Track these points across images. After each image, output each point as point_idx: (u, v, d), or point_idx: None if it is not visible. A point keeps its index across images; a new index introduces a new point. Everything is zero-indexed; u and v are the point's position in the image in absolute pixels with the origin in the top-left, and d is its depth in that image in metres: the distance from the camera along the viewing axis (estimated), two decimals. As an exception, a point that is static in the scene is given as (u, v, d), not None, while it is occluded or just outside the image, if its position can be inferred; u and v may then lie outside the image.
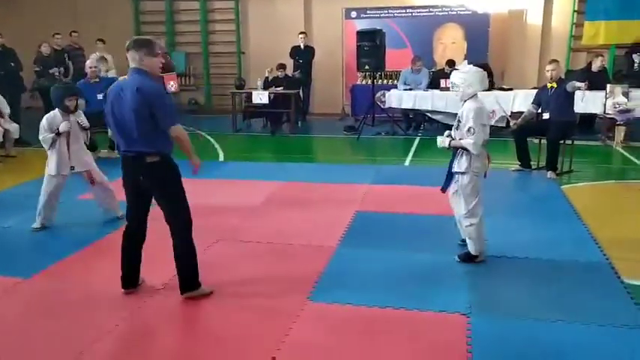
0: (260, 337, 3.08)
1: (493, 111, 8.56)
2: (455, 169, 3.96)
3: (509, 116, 7.83)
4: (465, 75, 3.89)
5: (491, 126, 8.87)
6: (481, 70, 4.00)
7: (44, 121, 4.75)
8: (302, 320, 3.25)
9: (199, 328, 3.31)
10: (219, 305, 3.46)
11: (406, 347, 2.97)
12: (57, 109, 4.78)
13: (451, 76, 3.99)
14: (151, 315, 3.39)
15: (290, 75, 10.08)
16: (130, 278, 3.58)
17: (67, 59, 9.97)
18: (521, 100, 8.58)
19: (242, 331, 3.15)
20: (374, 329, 3.15)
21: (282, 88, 9.68)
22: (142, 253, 3.57)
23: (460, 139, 3.90)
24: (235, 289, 3.68)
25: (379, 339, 3.05)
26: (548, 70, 6.48)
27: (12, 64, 8.90)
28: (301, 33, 10.48)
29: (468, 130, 3.81)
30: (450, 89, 4.10)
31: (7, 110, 7.81)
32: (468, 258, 4.02)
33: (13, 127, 7.83)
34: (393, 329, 3.15)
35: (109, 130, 3.57)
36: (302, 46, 10.43)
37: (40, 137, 4.77)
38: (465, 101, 3.91)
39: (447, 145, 3.97)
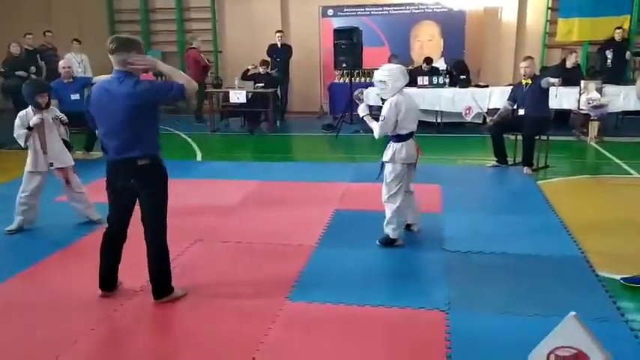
0: (239, 338, 3.05)
1: (469, 107, 8.63)
2: (383, 158, 4.26)
3: (486, 113, 7.90)
4: (391, 72, 4.14)
5: (468, 122, 9.12)
6: (402, 66, 4.34)
7: (17, 119, 4.71)
8: (281, 320, 3.23)
9: (177, 330, 3.27)
10: (198, 307, 3.43)
11: (385, 345, 2.98)
12: (29, 106, 4.72)
13: (376, 75, 4.21)
14: (128, 318, 3.35)
15: (270, 72, 10.03)
16: (109, 280, 3.53)
17: (39, 60, 9.77)
18: (497, 97, 8.69)
19: (221, 332, 3.12)
20: (353, 327, 3.15)
21: (262, 84, 9.62)
22: (121, 256, 3.52)
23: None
24: (214, 290, 3.65)
25: (359, 337, 3.05)
26: (522, 67, 6.56)
27: (-18, 65, 8.73)
28: (278, 31, 10.45)
29: (382, 117, 4.14)
30: (376, 87, 4.36)
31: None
32: (387, 242, 4.27)
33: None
34: (372, 327, 3.15)
35: (97, 132, 3.45)
36: (279, 45, 10.40)
37: (15, 134, 4.72)
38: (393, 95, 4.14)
39: (361, 113, 4.40)
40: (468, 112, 8.32)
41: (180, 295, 3.51)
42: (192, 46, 10.40)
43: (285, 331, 3.12)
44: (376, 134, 4.21)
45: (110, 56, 3.19)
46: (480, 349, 2.91)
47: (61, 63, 7.80)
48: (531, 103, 6.44)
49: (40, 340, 3.06)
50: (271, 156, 7.89)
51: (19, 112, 4.84)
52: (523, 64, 6.55)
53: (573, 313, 2.43)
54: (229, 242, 4.46)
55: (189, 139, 9.05)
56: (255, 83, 9.66)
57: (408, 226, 4.50)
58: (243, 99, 9.46)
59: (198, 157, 7.86)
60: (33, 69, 9.46)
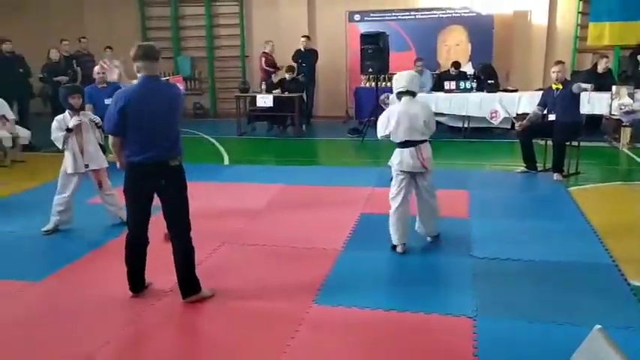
0: (265, 341, 3.09)
1: (495, 111, 8.57)
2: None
3: (514, 118, 7.81)
4: (395, 78, 4.23)
5: (496, 127, 9.03)
6: (409, 72, 4.37)
7: (55, 122, 4.86)
8: (307, 324, 3.26)
9: (205, 332, 3.32)
10: (225, 309, 3.47)
11: (412, 351, 2.98)
12: (66, 110, 4.87)
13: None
14: (157, 318, 3.41)
15: (296, 77, 10.09)
16: (137, 283, 3.61)
17: (75, 65, 10.02)
18: (526, 102, 8.58)
19: (247, 335, 3.16)
20: (379, 333, 3.15)
21: (287, 91, 9.69)
22: (146, 258, 3.59)
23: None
24: (240, 292, 3.69)
25: (385, 342, 3.05)
26: (553, 72, 6.47)
27: (20, 70, 8.98)
28: (304, 36, 10.50)
29: None
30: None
31: (12, 116, 7.88)
32: (392, 246, 4.28)
33: (24, 133, 7.90)
34: (398, 332, 3.15)
35: (111, 138, 3.50)
36: (304, 50, 10.43)
37: (53, 137, 4.85)
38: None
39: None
40: (494, 115, 8.25)
41: (208, 296, 3.57)
42: (265, 50, 10.48)
43: (311, 335, 3.14)
44: (378, 134, 4.34)
45: (147, 62, 3.30)
46: (508, 357, 2.88)
47: (96, 69, 7.97)
48: (562, 108, 6.34)
49: (72, 339, 3.14)
50: (297, 160, 7.93)
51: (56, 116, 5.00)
52: (554, 69, 6.46)
53: (599, 326, 2.40)
54: (255, 245, 4.51)
55: (217, 143, 9.16)
56: (281, 89, 9.74)
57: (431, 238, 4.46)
58: (270, 103, 9.55)
59: (226, 161, 7.96)
60: (70, 73, 9.71)
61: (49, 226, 4.87)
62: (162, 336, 3.23)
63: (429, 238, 4.43)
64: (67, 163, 4.88)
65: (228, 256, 4.32)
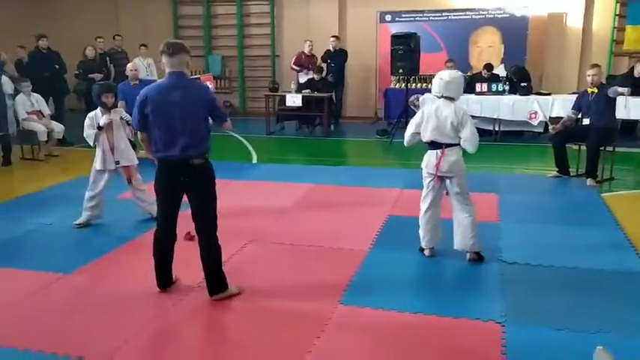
0: (291, 339, 3.09)
1: (535, 112, 8.45)
2: None
3: (549, 120, 7.68)
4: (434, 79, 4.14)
5: (528, 131, 8.88)
6: (445, 72, 4.17)
7: (87, 120, 4.96)
8: (333, 324, 3.25)
9: (229, 330, 3.34)
10: (250, 307, 3.49)
11: (439, 355, 2.94)
12: (98, 107, 4.96)
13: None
14: (183, 314, 3.44)
15: (325, 77, 10.10)
16: (165, 279, 3.65)
17: (108, 63, 10.21)
18: (559, 106, 8.43)
19: (273, 333, 3.17)
20: (406, 335, 3.12)
21: (316, 91, 9.70)
22: (173, 254, 3.62)
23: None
24: (266, 290, 3.70)
25: (411, 345, 3.02)
26: (589, 75, 6.32)
27: (56, 66, 9.20)
28: (333, 37, 10.48)
29: None
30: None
31: (48, 111, 8.08)
32: (420, 248, 4.23)
33: (58, 128, 8.09)
34: (425, 335, 3.12)
35: (139, 133, 3.55)
36: (333, 50, 10.42)
37: (85, 134, 4.95)
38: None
39: None
40: (533, 116, 8.13)
41: (235, 293, 3.59)
42: (304, 49, 10.49)
43: (337, 335, 3.13)
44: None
45: (167, 58, 3.29)
46: (538, 364, 2.83)
47: (129, 66, 8.12)
48: (597, 112, 6.20)
49: (98, 332, 3.19)
50: (325, 160, 7.93)
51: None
52: (590, 72, 6.31)
53: (600, 347, 2.41)
54: (282, 244, 4.52)
55: (245, 142, 9.23)
56: (310, 89, 9.76)
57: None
58: (299, 103, 9.58)
59: (254, 160, 8.01)
60: (105, 71, 9.91)
61: (81, 220, 4.97)
62: (187, 332, 3.26)
63: (467, 255, 4.12)
64: (97, 160, 4.97)
65: (255, 254, 4.34)
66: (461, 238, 4.11)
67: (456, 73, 4.17)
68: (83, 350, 2.97)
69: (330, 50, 10.44)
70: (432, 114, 4.02)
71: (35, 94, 8.07)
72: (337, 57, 10.45)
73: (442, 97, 4.03)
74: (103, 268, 4.14)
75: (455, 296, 3.61)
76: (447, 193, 4.18)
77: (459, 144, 4.02)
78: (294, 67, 10.58)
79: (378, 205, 5.48)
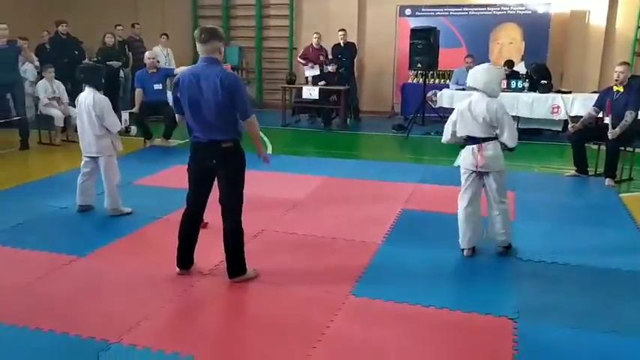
0: (302, 326, 3.09)
1: (557, 106, 8.33)
2: None
3: (570, 117, 7.57)
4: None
5: (547, 129, 8.75)
6: (479, 66, 4.07)
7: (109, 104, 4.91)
8: (344, 313, 3.24)
9: (242, 313, 3.36)
10: (263, 293, 3.50)
11: (449, 348, 2.92)
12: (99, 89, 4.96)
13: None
14: (198, 297, 3.47)
15: (340, 71, 10.03)
16: (185, 259, 3.70)
17: (127, 50, 10.27)
18: (579, 104, 8.27)
19: (284, 319, 3.17)
20: (416, 327, 3.10)
21: (329, 84, 9.67)
22: (198, 236, 3.69)
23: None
24: (278, 279, 3.70)
25: (421, 337, 3.00)
26: (617, 72, 6.17)
27: (76, 52, 9.27)
28: (340, 30, 10.31)
29: None
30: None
31: (66, 98, 8.15)
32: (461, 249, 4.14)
33: (76, 113, 8.14)
34: (436, 329, 3.10)
35: (177, 116, 3.63)
36: (342, 44, 10.32)
37: (115, 120, 4.92)
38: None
39: None
40: (556, 110, 8.03)
41: (253, 277, 3.64)
42: (312, 42, 10.44)
43: (347, 325, 3.12)
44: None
45: (199, 45, 3.37)
46: (550, 361, 2.79)
47: (147, 54, 8.17)
48: (621, 111, 6.07)
49: (112, 313, 3.21)
50: (340, 153, 7.89)
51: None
52: (618, 69, 6.16)
53: None
54: (295, 234, 4.51)
55: (261, 133, 9.19)
56: (326, 82, 9.72)
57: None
58: (315, 95, 9.55)
59: (269, 150, 8.00)
60: (123, 58, 9.96)
61: (130, 209, 4.96)
62: (199, 315, 3.27)
63: (499, 249, 4.10)
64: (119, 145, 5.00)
65: (267, 243, 4.34)
66: (492, 232, 4.09)
67: (494, 68, 4.09)
68: (95, 330, 2.99)
69: (339, 44, 10.33)
70: (465, 109, 3.96)
71: (56, 80, 8.14)
72: (347, 51, 10.34)
73: (478, 91, 3.95)
74: (117, 251, 4.17)
75: (467, 291, 3.58)
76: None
77: (496, 138, 3.94)
78: (300, 60, 10.54)
79: (392, 199, 5.44)
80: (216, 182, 3.58)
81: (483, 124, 3.89)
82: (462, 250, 4.10)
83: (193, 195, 3.59)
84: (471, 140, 3.99)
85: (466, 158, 4.02)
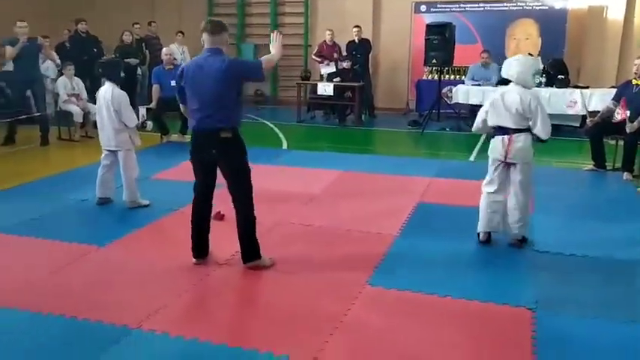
0: (318, 315, 3.11)
1: (575, 101, 8.25)
2: None
3: (588, 112, 7.49)
4: (505, 62, 4.07)
5: (565, 125, 8.67)
6: (522, 57, 4.05)
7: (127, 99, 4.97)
8: (360, 303, 3.25)
9: (259, 302, 3.38)
10: (279, 282, 3.53)
11: (466, 337, 2.91)
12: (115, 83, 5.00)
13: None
14: (215, 286, 3.52)
15: (354, 67, 10.03)
16: (201, 248, 3.74)
17: (144, 48, 10.37)
18: (597, 100, 8.17)
19: (301, 308, 3.19)
20: (432, 316, 3.11)
21: (343, 81, 9.68)
22: (210, 223, 3.74)
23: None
24: (294, 269, 3.73)
25: (437, 326, 3.00)
26: (635, 65, 6.12)
27: (94, 49, 9.38)
28: (355, 27, 10.30)
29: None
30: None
31: (85, 95, 8.26)
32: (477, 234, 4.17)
33: (94, 110, 8.24)
34: (453, 318, 3.09)
35: (181, 106, 3.72)
36: (357, 40, 10.31)
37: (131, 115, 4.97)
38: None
39: None
40: (572, 105, 7.96)
41: (269, 265, 3.69)
42: (326, 39, 10.45)
43: (363, 314, 3.13)
44: (473, 128, 4.25)
45: (207, 36, 3.46)
46: (569, 350, 2.78)
47: (164, 50, 8.25)
48: (639, 105, 5.99)
49: (128, 302, 3.25)
50: (355, 148, 7.90)
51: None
52: (637, 62, 6.09)
53: None
54: (310, 226, 4.54)
55: (276, 128, 9.27)
56: (341, 79, 9.73)
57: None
58: (330, 92, 9.56)
59: (284, 146, 8.04)
60: (140, 56, 10.05)
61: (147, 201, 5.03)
62: (215, 304, 3.31)
63: (513, 241, 4.10)
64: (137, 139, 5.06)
65: (283, 235, 4.36)
66: (511, 224, 4.08)
67: (527, 59, 4.08)
68: (115, 317, 3.04)
69: (354, 41, 10.32)
70: (498, 99, 3.95)
71: (76, 77, 8.26)
72: (361, 47, 10.33)
73: (510, 80, 3.96)
74: (136, 241, 4.23)
75: (484, 281, 3.57)
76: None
77: (527, 129, 3.92)
78: (315, 57, 10.55)
79: (408, 193, 5.44)
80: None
81: (516, 114, 3.88)
82: (478, 234, 4.11)
83: (200, 184, 3.66)
84: (500, 130, 3.97)
85: (495, 148, 4.01)
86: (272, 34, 3.75)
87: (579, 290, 3.44)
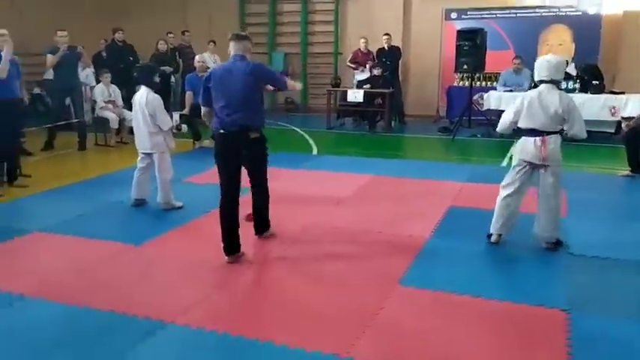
0: (351, 312, 3.13)
1: (614, 107, 8.15)
2: None
3: (623, 118, 7.37)
4: (536, 63, 4.01)
5: (601, 132, 8.51)
6: (554, 58, 3.97)
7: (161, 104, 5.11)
8: (392, 302, 3.26)
9: (290, 300, 3.38)
10: (310, 281, 3.57)
11: (499, 337, 2.89)
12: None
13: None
14: (248, 284, 3.58)
15: (384, 74, 10.05)
16: (233, 245, 3.83)
17: (177, 56, 10.60)
18: (633, 105, 8.03)
19: (331, 307, 3.21)
20: (465, 317, 3.09)
21: (373, 87, 9.70)
22: (238, 220, 3.86)
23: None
24: (326, 268, 3.76)
25: (470, 326, 2.99)
26: None
27: (130, 58, 9.64)
28: (385, 34, 10.33)
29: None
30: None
31: (121, 102, 8.48)
32: (488, 234, 4.16)
33: (130, 117, 8.47)
34: (484, 318, 3.07)
35: (203, 108, 4.03)
36: (386, 47, 10.32)
37: (166, 118, 5.11)
38: None
39: None
40: (614, 110, 7.88)
41: (274, 233, 4.22)
42: (360, 47, 10.53)
43: (396, 313, 3.14)
44: (498, 128, 4.21)
45: (233, 44, 3.83)
46: (603, 352, 2.73)
47: (197, 58, 8.43)
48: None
49: (165, 298, 3.33)
50: (385, 153, 7.88)
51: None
52: None
53: None
54: (341, 228, 4.56)
55: (306, 135, 9.34)
56: (371, 86, 9.75)
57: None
58: (360, 98, 9.60)
59: (314, 151, 8.09)
60: (174, 64, 10.27)
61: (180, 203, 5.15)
62: (252, 299, 3.35)
63: (544, 245, 4.03)
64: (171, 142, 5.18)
65: (314, 236, 4.40)
66: (540, 228, 4.03)
67: (559, 57, 4.04)
68: (151, 311, 3.12)
69: (384, 48, 10.34)
70: (534, 101, 3.89)
71: (112, 84, 8.49)
72: (391, 54, 10.34)
73: (546, 82, 3.90)
74: (170, 240, 4.33)
75: (517, 283, 3.53)
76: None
77: (559, 132, 3.90)
78: (350, 64, 10.60)
79: (439, 197, 5.42)
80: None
81: (554, 116, 3.84)
82: (490, 235, 4.10)
83: (227, 186, 3.80)
84: (530, 132, 3.91)
85: (526, 150, 3.94)
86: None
87: (614, 292, 3.38)
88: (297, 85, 4.44)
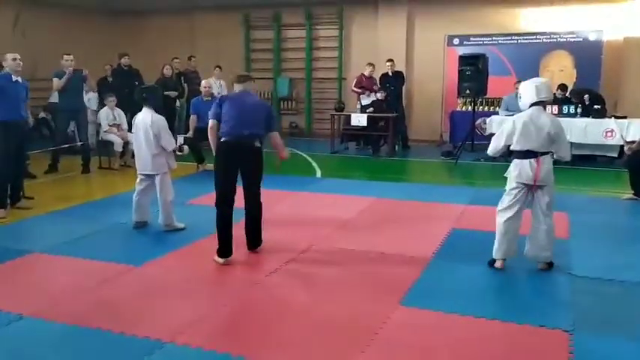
0: (352, 331, 3.11)
1: (611, 130, 8.17)
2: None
3: (626, 142, 7.39)
4: (523, 85, 4.11)
5: (602, 155, 8.51)
6: (541, 80, 4.08)
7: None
8: (393, 321, 3.23)
9: (292, 317, 3.36)
10: (313, 299, 3.56)
11: (502, 358, 2.86)
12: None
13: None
14: (249, 302, 3.56)
15: (388, 99, 10.12)
16: (227, 248, 4.18)
17: (182, 81, 10.73)
18: (635, 130, 8.05)
19: (334, 325, 3.19)
20: (466, 337, 3.06)
21: (377, 112, 9.76)
22: (232, 226, 4.19)
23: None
24: (327, 287, 3.75)
25: (473, 346, 2.96)
26: None
27: (136, 82, 9.75)
28: (389, 60, 10.45)
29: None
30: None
31: (126, 125, 8.55)
32: (489, 261, 4.11)
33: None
34: (487, 338, 3.04)
35: (210, 121, 4.39)
36: (390, 73, 10.44)
37: (170, 139, 5.18)
38: None
39: None
40: (609, 134, 7.89)
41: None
42: (365, 72, 10.63)
43: (397, 332, 3.11)
44: (489, 151, 4.23)
45: (238, 84, 4.38)
46: (609, 374, 2.69)
47: (203, 83, 8.54)
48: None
49: (164, 317, 3.32)
50: (388, 177, 7.90)
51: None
52: None
53: None
54: (344, 249, 4.55)
55: (310, 159, 9.38)
56: (374, 110, 9.82)
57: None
58: (364, 122, 9.65)
59: (318, 174, 8.11)
60: (179, 89, 10.40)
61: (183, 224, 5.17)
62: (253, 317, 3.32)
63: (539, 265, 4.04)
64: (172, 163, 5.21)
65: (317, 256, 4.39)
66: (536, 248, 4.01)
67: (545, 79, 4.17)
68: (150, 331, 3.10)
69: (387, 74, 10.44)
70: (527, 123, 3.91)
71: (117, 108, 8.59)
72: (395, 80, 10.44)
73: (535, 104, 3.94)
74: (172, 261, 4.33)
75: (519, 304, 3.51)
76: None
77: (550, 152, 3.94)
78: (355, 89, 10.68)
79: (442, 219, 5.41)
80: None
81: (547, 137, 3.88)
82: (494, 260, 4.06)
83: (224, 190, 4.18)
84: (526, 154, 3.93)
85: (521, 172, 3.94)
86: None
87: (617, 314, 3.35)
88: (284, 153, 4.57)
